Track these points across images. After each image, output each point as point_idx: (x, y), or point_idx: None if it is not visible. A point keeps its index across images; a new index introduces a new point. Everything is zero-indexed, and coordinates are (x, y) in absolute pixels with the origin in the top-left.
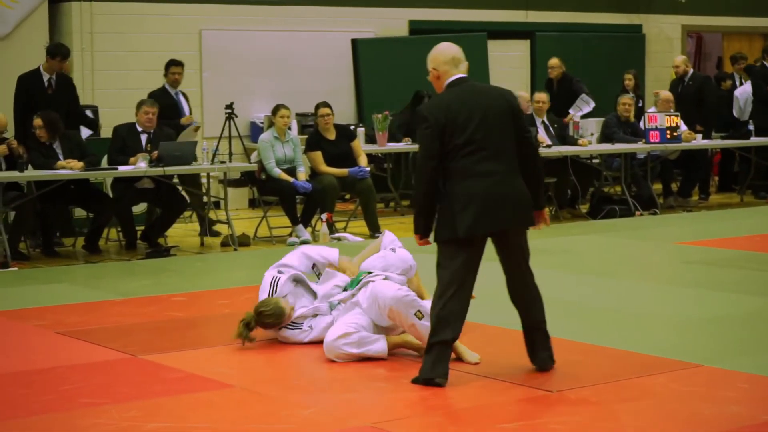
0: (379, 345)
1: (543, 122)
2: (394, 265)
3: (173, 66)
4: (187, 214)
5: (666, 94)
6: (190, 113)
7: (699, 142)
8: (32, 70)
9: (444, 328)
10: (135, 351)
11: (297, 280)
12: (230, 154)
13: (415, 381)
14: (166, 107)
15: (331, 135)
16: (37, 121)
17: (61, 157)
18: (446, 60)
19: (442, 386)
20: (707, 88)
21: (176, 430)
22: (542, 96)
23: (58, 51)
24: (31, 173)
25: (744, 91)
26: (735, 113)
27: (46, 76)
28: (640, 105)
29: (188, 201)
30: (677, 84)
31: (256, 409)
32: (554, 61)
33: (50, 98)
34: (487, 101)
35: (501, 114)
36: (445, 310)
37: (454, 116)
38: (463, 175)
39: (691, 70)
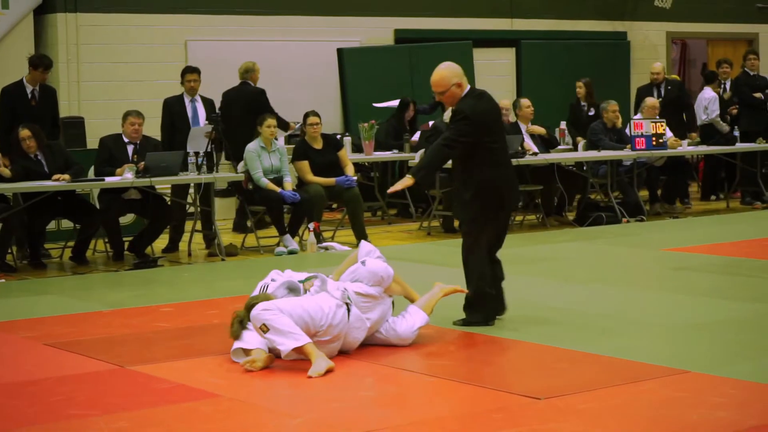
0: (287, 342)
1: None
2: (364, 277)
3: (188, 73)
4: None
5: (652, 100)
6: (209, 118)
7: (685, 148)
8: (15, 81)
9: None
10: (123, 362)
11: (291, 288)
12: (216, 164)
13: (469, 324)
14: (177, 115)
15: (318, 144)
16: (26, 132)
17: (45, 168)
18: (462, 73)
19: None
20: (685, 93)
21: None
22: (527, 103)
23: (40, 62)
24: (18, 185)
25: (704, 97)
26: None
27: (29, 88)
28: (591, 113)
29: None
30: (650, 90)
31: (244, 420)
32: (658, 66)
33: (34, 110)
34: (497, 107)
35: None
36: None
37: (486, 119)
38: (496, 164)
39: (664, 78)
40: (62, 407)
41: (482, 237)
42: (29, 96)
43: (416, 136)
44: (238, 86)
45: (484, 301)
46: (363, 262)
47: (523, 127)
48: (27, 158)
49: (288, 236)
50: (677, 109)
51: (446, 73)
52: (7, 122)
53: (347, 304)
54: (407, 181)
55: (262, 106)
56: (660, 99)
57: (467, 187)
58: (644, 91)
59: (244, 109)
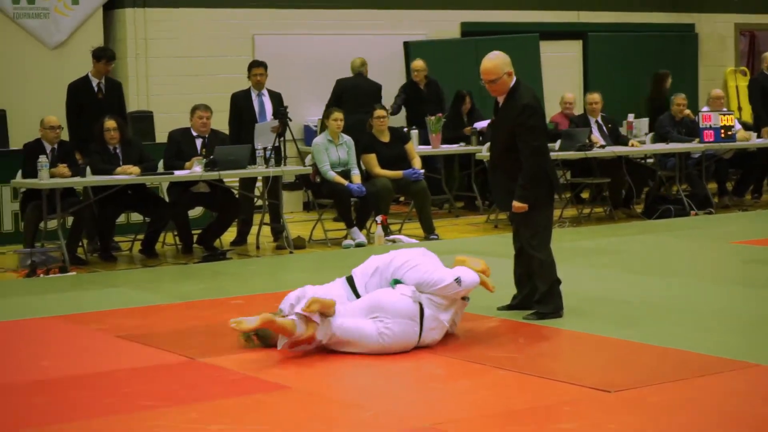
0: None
1: (597, 122)
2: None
3: (254, 67)
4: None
5: (716, 91)
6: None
7: (754, 141)
8: (81, 77)
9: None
10: (194, 354)
11: None
12: (285, 157)
13: (543, 317)
14: (245, 109)
15: (386, 137)
16: (111, 123)
17: (122, 162)
18: (511, 63)
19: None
20: None
21: None
22: (595, 97)
23: (103, 54)
24: (89, 179)
25: None
26: None
27: (95, 81)
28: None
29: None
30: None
31: (315, 412)
32: None
33: (101, 103)
34: None
35: None
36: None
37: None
38: (545, 153)
39: None
40: (135, 398)
41: (541, 226)
42: (95, 89)
43: (481, 124)
44: (354, 77)
45: (555, 291)
46: (458, 280)
47: (591, 119)
48: (106, 151)
49: (356, 229)
50: None
51: (499, 61)
52: (75, 117)
53: (420, 303)
54: (521, 207)
55: (377, 100)
56: None
57: (516, 177)
58: (763, 80)
59: (361, 99)
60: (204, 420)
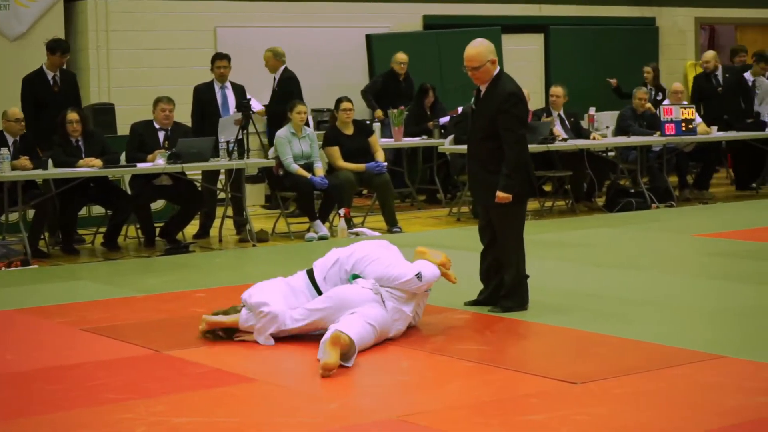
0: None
1: (559, 115)
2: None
3: (218, 60)
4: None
5: (676, 85)
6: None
7: (715, 134)
8: (36, 70)
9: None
10: (159, 347)
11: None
12: (247, 150)
13: (508, 310)
14: (207, 102)
15: (349, 130)
16: (74, 116)
17: (83, 154)
18: (495, 51)
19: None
20: (744, 80)
21: (204, 425)
22: (558, 90)
23: (57, 46)
24: (51, 171)
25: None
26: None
27: (50, 74)
28: (659, 98)
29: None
30: (707, 79)
31: (282, 404)
32: (708, 55)
33: (57, 96)
34: None
35: None
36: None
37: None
38: (526, 147)
39: (720, 65)
40: (101, 391)
41: (518, 219)
42: (51, 82)
43: (444, 119)
44: None
45: (523, 286)
46: (418, 276)
47: (554, 113)
48: (68, 143)
49: (318, 222)
50: (736, 97)
51: (482, 49)
52: (31, 111)
53: (380, 295)
54: (505, 198)
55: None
56: (719, 88)
57: (496, 171)
58: (702, 81)
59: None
60: (171, 413)
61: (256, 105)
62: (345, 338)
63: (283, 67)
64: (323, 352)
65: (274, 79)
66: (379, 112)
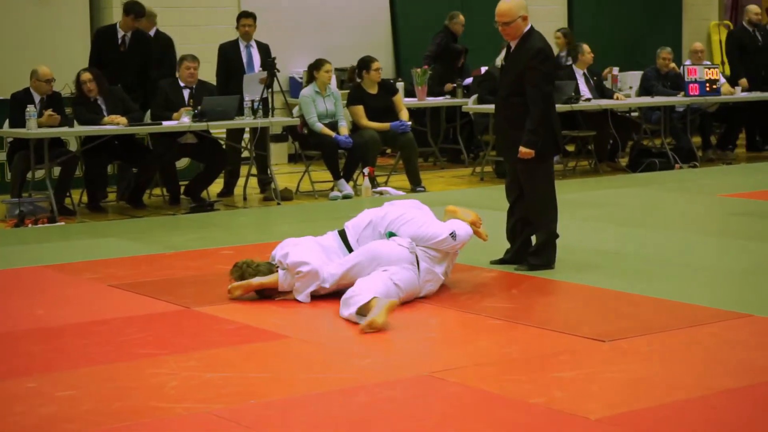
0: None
1: (584, 74)
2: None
3: (243, 18)
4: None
5: (695, 45)
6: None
7: (739, 95)
8: (109, 24)
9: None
10: (188, 303)
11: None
12: (272, 108)
13: (534, 268)
14: (232, 60)
15: (374, 89)
16: (87, 75)
17: (105, 113)
18: (527, 7)
19: None
20: None
21: (236, 380)
22: (585, 47)
23: (130, 9)
24: (76, 129)
25: None
26: None
27: (120, 33)
28: (569, 62)
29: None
30: (751, 33)
31: (313, 359)
32: (756, 7)
33: (122, 55)
34: None
35: None
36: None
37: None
38: (552, 105)
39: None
40: (132, 347)
41: (545, 177)
42: (119, 41)
43: (468, 81)
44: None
45: (552, 245)
46: (453, 235)
47: (578, 71)
48: (87, 102)
49: (342, 181)
50: None
51: (514, 4)
52: (94, 63)
53: (415, 255)
54: (527, 153)
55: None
56: (760, 43)
57: (522, 127)
58: (745, 35)
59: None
60: (203, 368)
61: None
62: (394, 304)
63: (154, 29)
64: (374, 310)
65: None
66: (448, 86)
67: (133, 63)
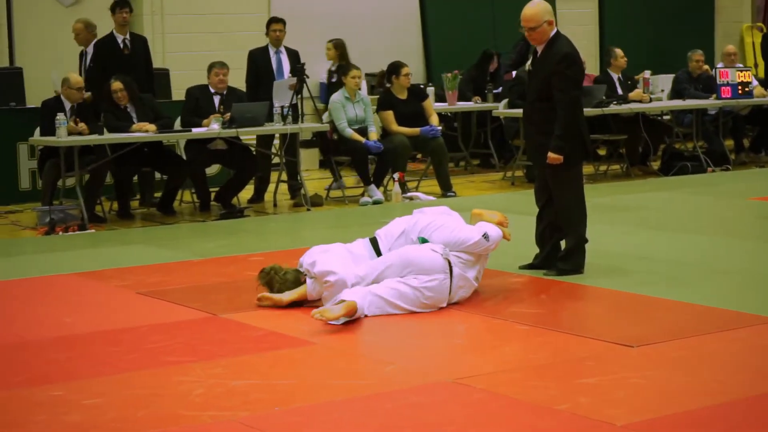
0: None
1: (619, 78)
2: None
3: (273, 23)
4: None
5: (728, 47)
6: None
7: None
8: (106, 35)
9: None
10: (216, 310)
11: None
12: (302, 114)
13: (563, 273)
14: (262, 66)
15: (403, 94)
16: (117, 85)
17: (135, 120)
18: (552, 12)
19: None
20: None
21: (262, 387)
22: (619, 52)
23: (115, 3)
24: (107, 136)
25: None
26: None
27: (119, 38)
28: (334, 80)
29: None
30: None
31: (339, 366)
32: None
33: (127, 59)
34: None
35: None
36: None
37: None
38: (581, 110)
39: None
40: (159, 354)
41: (574, 183)
42: (121, 46)
43: (498, 90)
44: None
45: (581, 250)
46: (485, 236)
47: (614, 75)
48: (117, 109)
49: (373, 186)
50: None
51: (539, 9)
52: (98, 76)
53: (448, 261)
54: (555, 159)
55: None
56: None
57: (550, 132)
58: None
59: None
60: (229, 375)
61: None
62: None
63: (95, 41)
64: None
65: (86, 53)
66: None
67: (138, 65)
